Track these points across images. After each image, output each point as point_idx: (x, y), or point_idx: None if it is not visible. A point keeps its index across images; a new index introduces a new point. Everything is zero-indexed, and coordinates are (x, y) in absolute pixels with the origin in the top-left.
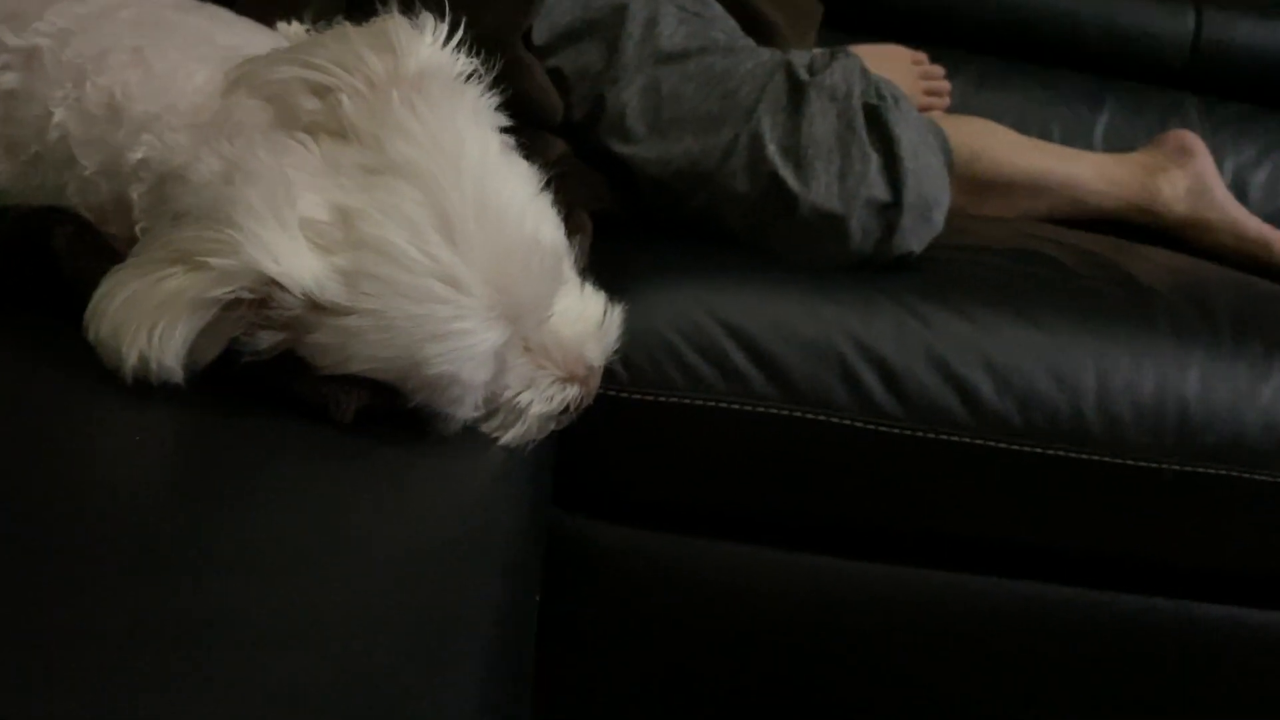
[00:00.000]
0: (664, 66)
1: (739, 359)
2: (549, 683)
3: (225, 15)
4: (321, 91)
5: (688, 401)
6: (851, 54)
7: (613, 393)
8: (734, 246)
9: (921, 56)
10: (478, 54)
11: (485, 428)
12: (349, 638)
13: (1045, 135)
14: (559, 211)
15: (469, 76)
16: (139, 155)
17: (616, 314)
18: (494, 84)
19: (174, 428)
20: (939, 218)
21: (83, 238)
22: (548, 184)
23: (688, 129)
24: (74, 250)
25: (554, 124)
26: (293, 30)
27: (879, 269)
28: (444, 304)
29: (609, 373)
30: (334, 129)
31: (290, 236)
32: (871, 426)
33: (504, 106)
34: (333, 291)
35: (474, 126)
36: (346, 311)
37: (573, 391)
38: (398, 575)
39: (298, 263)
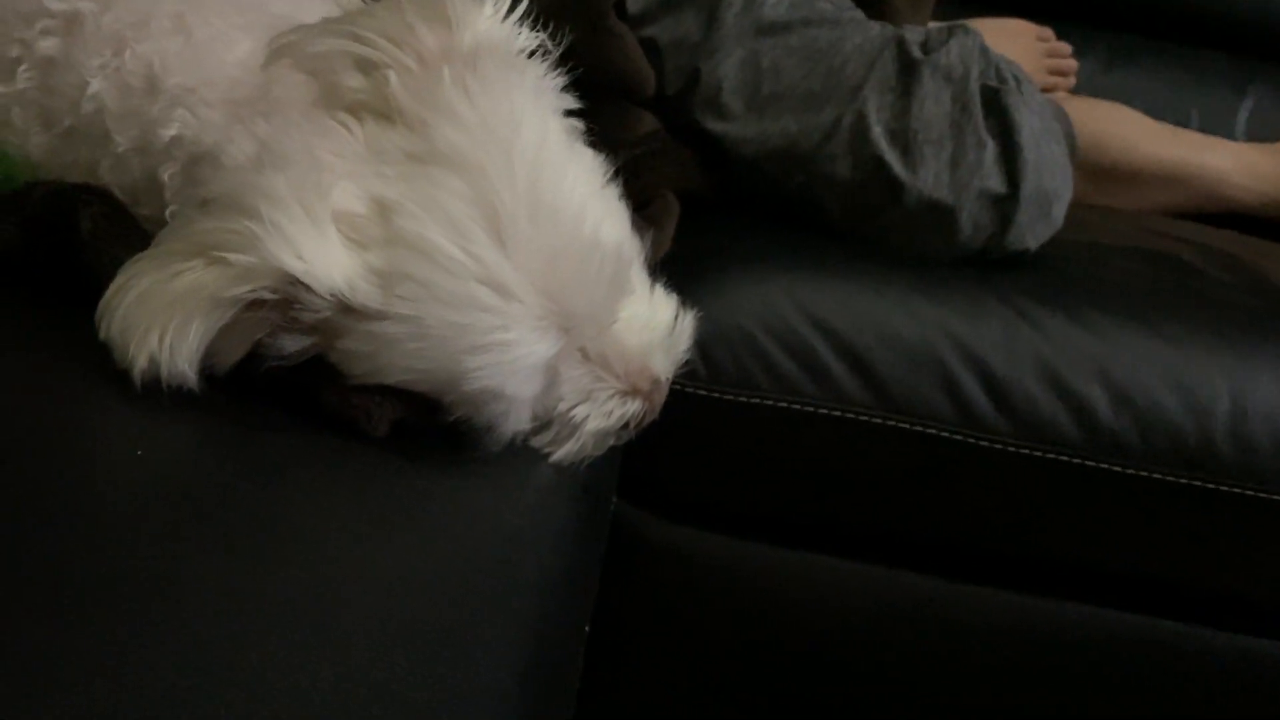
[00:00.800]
0: (765, 38)
1: (830, 360)
2: (591, 681)
3: None
4: (368, 67)
5: (771, 403)
6: (971, 30)
7: (690, 389)
8: (830, 236)
9: (1047, 32)
10: (566, 20)
11: (536, 442)
12: (369, 662)
13: (1181, 122)
14: (644, 191)
15: (533, 52)
16: (171, 132)
17: (688, 321)
18: (580, 52)
19: (188, 438)
20: (1059, 213)
21: (111, 221)
22: (633, 162)
23: (787, 107)
24: (99, 234)
25: (644, 97)
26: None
27: (989, 266)
28: (488, 312)
29: (687, 369)
30: (380, 109)
31: (320, 231)
32: (973, 440)
33: (590, 76)
34: (365, 293)
35: (532, 111)
36: (381, 316)
37: (634, 406)
38: (426, 599)
39: (327, 261)
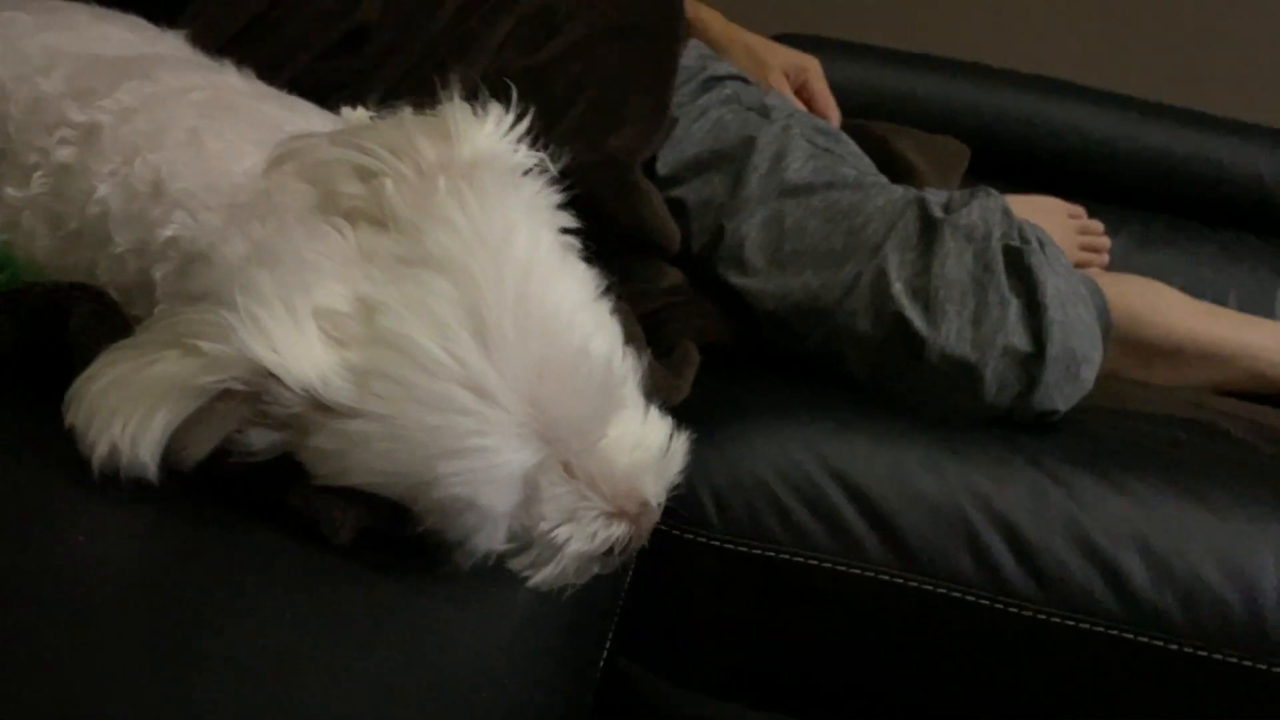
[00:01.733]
0: (788, 199)
1: (849, 515)
2: None
3: (303, 106)
4: (367, 176)
5: (786, 557)
6: (993, 193)
7: (702, 539)
8: (853, 391)
9: (1079, 210)
10: (596, 178)
11: (514, 564)
12: None
13: (1220, 301)
14: (667, 341)
15: (530, 170)
16: (169, 233)
17: (681, 444)
18: (609, 207)
19: (140, 533)
20: (1088, 375)
21: (100, 319)
22: (657, 313)
23: (808, 263)
24: (87, 331)
25: (670, 253)
26: (356, 115)
27: (1017, 427)
28: (466, 415)
29: (699, 516)
30: (375, 217)
31: (297, 325)
32: (1000, 606)
33: (618, 231)
34: (339, 389)
35: (525, 221)
36: (353, 414)
37: (620, 530)
38: None
39: (300, 354)
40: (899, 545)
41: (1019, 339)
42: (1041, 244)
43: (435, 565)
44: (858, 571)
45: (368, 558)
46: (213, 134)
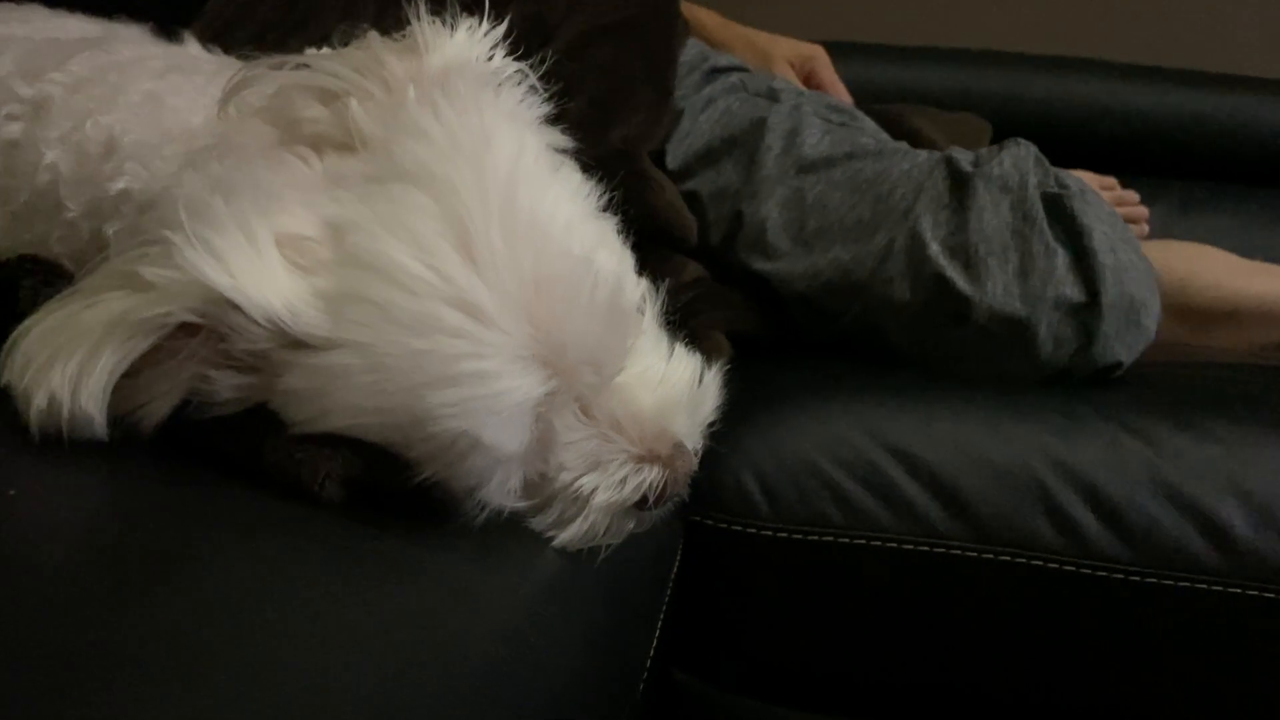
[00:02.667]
0: (807, 175)
1: (911, 489)
2: None
3: None
4: (329, 99)
5: (846, 540)
6: (1024, 142)
7: (751, 530)
8: (897, 364)
9: (1110, 181)
10: (603, 170)
11: (537, 523)
12: None
13: (1275, 260)
14: (693, 335)
15: (513, 78)
16: (120, 185)
17: (713, 379)
18: (621, 200)
19: (99, 503)
20: (1149, 323)
21: (53, 288)
22: (680, 308)
23: (835, 238)
24: (37, 300)
25: (687, 245)
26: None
27: (1081, 383)
28: (457, 337)
29: (746, 505)
30: (342, 141)
31: (256, 251)
32: (1087, 571)
33: (631, 224)
34: (309, 319)
35: (508, 126)
36: (328, 345)
37: (653, 474)
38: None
39: (262, 281)
40: (968, 516)
41: (1070, 289)
42: (1082, 190)
43: (446, 522)
44: (925, 548)
45: (368, 516)
46: (171, 92)
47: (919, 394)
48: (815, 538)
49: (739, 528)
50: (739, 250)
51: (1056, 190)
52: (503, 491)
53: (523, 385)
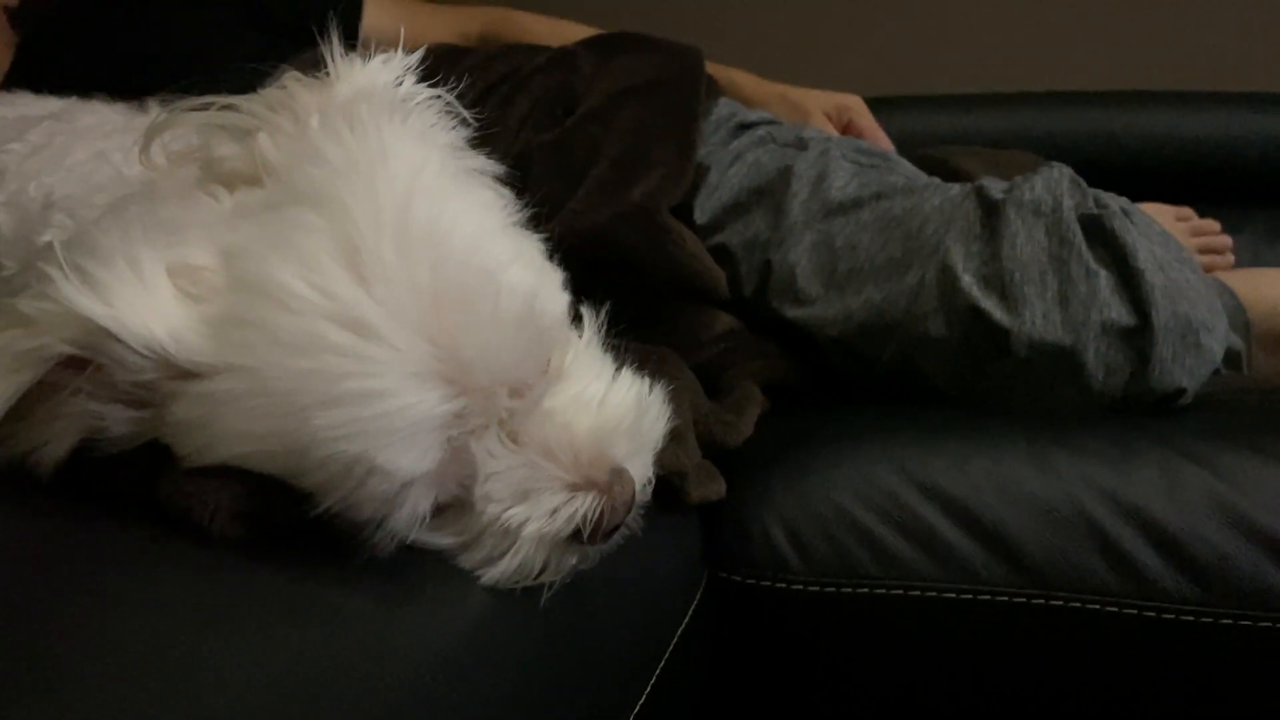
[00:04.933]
0: (836, 219)
1: (950, 533)
2: None
3: None
4: (242, 136)
5: (884, 591)
6: (1058, 165)
7: (781, 584)
8: (932, 402)
9: (1186, 211)
10: (625, 226)
11: (466, 562)
12: None
13: None
14: (727, 387)
15: (425, 103)
16: (46, 238)
17: (659, 401)
18: (644, 255)
19: None
20: (1213, 344)
21: None
22: (713, 360)
23: (867, 279)
24: None
25: (717, 297)
26: None
27: (1139, 413)
28: (340, 355)
29: (774, 558)
30: (253, 175)
31: (140, 280)
32: (1151, 613)
33: (659, 279)
34: (191, 346)
35: (408, 144)
36: (212, 372)
37: (587, 503)
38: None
39: (142, 309)
40: (1015, 559)
41: (1116, 312)
42: (1125, 211)
43: (359, 559)
44: (969, 596)
45: (276, 554)
46: (116, 149)
47: (953, 431)
48: (850, 590)
49: (768, 583)
50: (771, 299)
51: (1095, 211)
52: (412, 520)
53: (418, 403)
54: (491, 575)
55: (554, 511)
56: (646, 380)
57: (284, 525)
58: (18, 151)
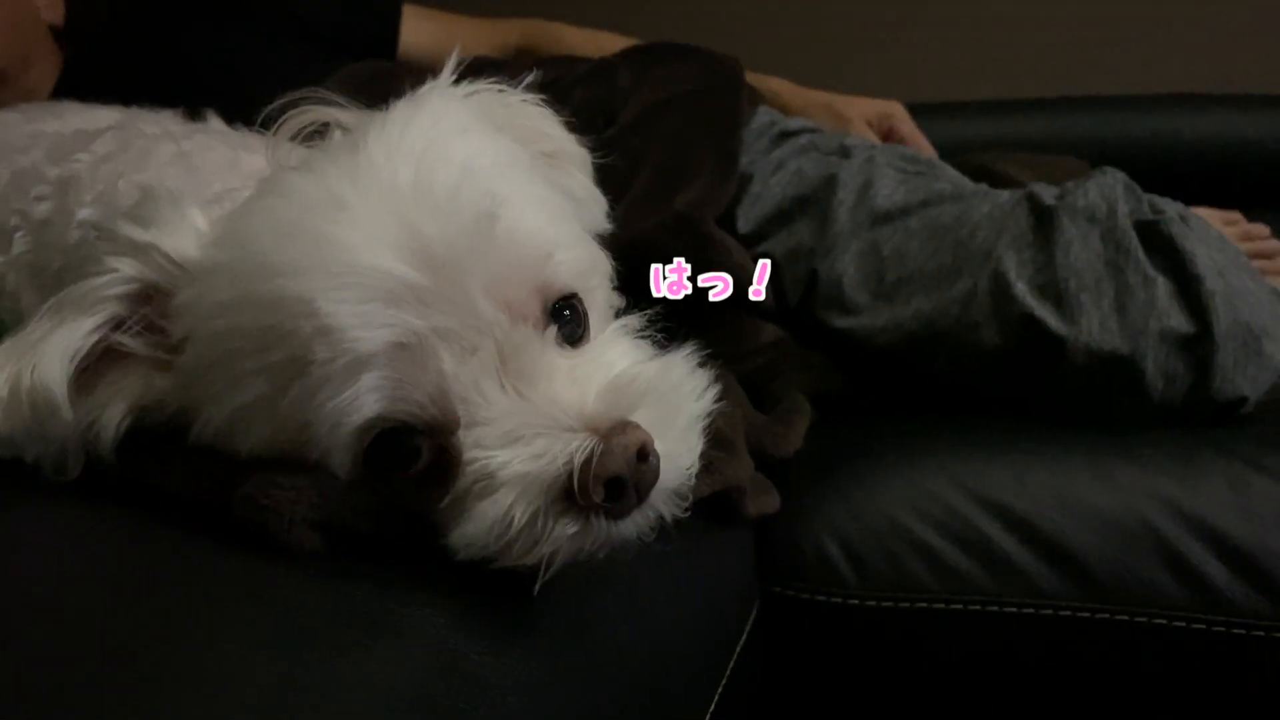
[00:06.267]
0: (883, 227)
1: (1009, 546)
2: None
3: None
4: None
5: (942, 606)
6: (1110, 170)
7: (837, 599)
8: (986, 413)
9: (1234, 215)
10: (669, 235)
11: (454, 536)
12: None
13: None
14: (773, 398)
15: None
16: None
17: (701, 380)
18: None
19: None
20: (1275, 351)
21: None
22: (758, 371)
23: (917, 288)
24: None
25: (763, 307)
26: None
27: (1199, 423)
28: (311, 216)
29: (829, 573)
30: None
31: (180, 217)
32: (1221, 628)
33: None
34: (209, 243)
35: (448, 103)
36: (214, 257)
37: (577, 442)
38: None
39: (179, 234)
40: (1078, 573)
41: (1175, 319)
42: (1183, 216)
43: (426, 572)
44: (1031, 610)
45: (343, 568)
46: (201, 150)
47: (1011, 443)
48: (907, 605)
49: (823, 598)
50: (817, 309)
51: (1151, 217)
52: (361, 403)
53: (368, 255)
54: (466, 533)
55: (539, 453)
56: (693, 365)
57: (358, 535)
58: (86, 161)
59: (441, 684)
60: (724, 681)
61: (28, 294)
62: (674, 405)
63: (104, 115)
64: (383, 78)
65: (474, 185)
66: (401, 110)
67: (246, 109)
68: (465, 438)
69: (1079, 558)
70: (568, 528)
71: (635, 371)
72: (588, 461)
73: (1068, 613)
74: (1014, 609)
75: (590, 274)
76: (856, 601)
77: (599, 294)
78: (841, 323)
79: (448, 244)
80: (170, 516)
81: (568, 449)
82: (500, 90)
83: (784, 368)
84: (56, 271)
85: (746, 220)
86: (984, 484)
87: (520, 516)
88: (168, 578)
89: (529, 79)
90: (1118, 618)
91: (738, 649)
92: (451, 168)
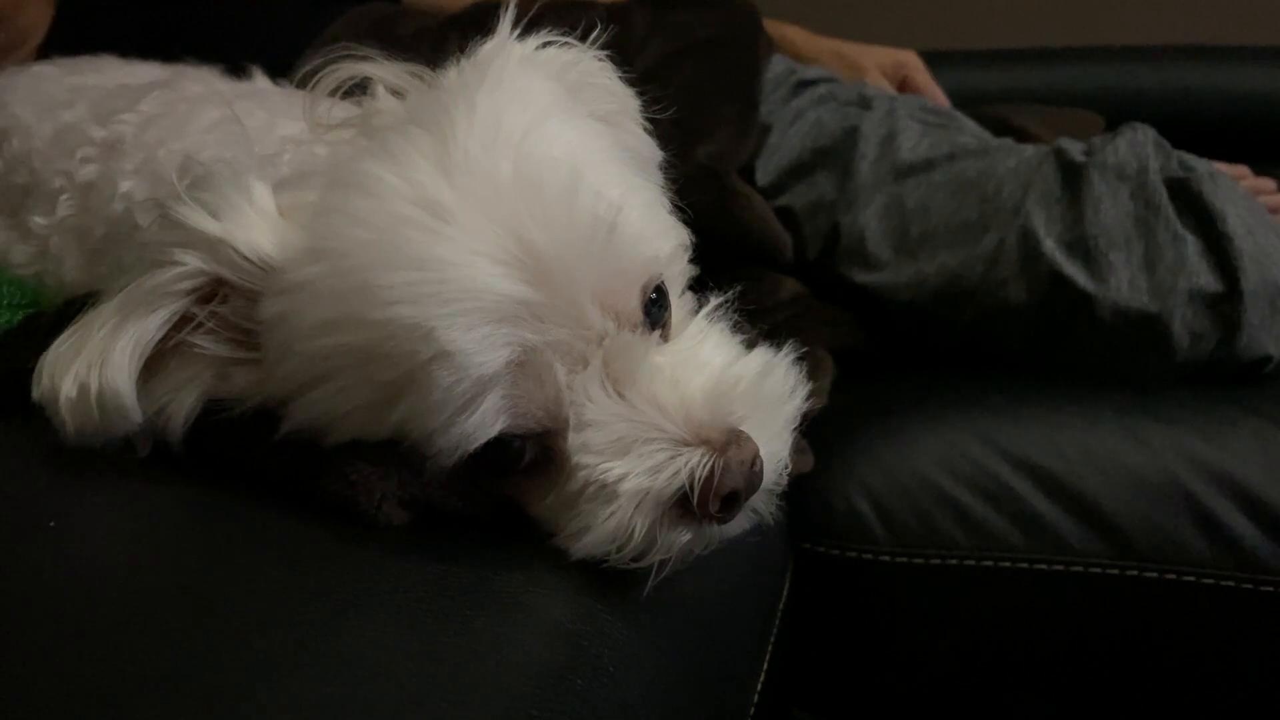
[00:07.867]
0: (907, 180)
1: (1040, 504)
2: None
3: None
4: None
5: (974, 563)
6: (1140, 126)
7: (868, 555)
8: (1014, 371)
9: (1242, 170)
10: (692, 187)
11: (561, 537)
12: None
13: None
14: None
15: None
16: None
17: (793, 374)
18: (709, 216)
19: (138, 534)
20: None
21: None
22: (779, 327)
23: (942, 243)
24: None
25: (783, 261)
26: None
27: (1224, 381)
28: (412, 229)
29: (860, 529)
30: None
31: (249, 204)
32: (1249, 585)
33: (724, 242)
34: (289, 246)
35: (514, 70)
36: (298, 264)
37: (695, 458)
38: None
39: (250, 225)
40: (1108, 531)
41: (1205, 278)
42: (1211, 174)
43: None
44: (1061, 568)
45: (431, 544)
46: (245, 114)
47: (1041, 401)
48: (938, 561)
49: (853, 554)
50: (838, 264)
51: (1181, 174)
52: (486, 424)
53: (481, 275)
54: (585, 544)
55: (657, 468)
56: (787, 362)
57: (446, 512)
58: (132, 122)
59: (560, 656)
60: (772, 636)
61: (72, 257)
62: (774, 407)
63: (144, 70)
64: (388, 22)
65: (584, 188)
66: (475, 77)
67: (245, 54)
68: (573, 440)
69: (1109, 515)
70: (682, 535)
71: (736, 373)
72: (708, 478)
73: (1097, 570)
74: (1044, 566)
75: (677, 258)
76: (888, 558)
77: (678, 270)
78: (863, 278)
79: (560, 255)
80: (245, 495)
81: (689, 465)
82: (568, 46)
83: (804, 323)
84: (101, 238)
85: (765, 172)
86: (1013, 441)
87: (640, 529)
88: (263, 553)
89: (595, 37)
90: (1147, 575)
91: (780, 606)
92: (557, 167)
